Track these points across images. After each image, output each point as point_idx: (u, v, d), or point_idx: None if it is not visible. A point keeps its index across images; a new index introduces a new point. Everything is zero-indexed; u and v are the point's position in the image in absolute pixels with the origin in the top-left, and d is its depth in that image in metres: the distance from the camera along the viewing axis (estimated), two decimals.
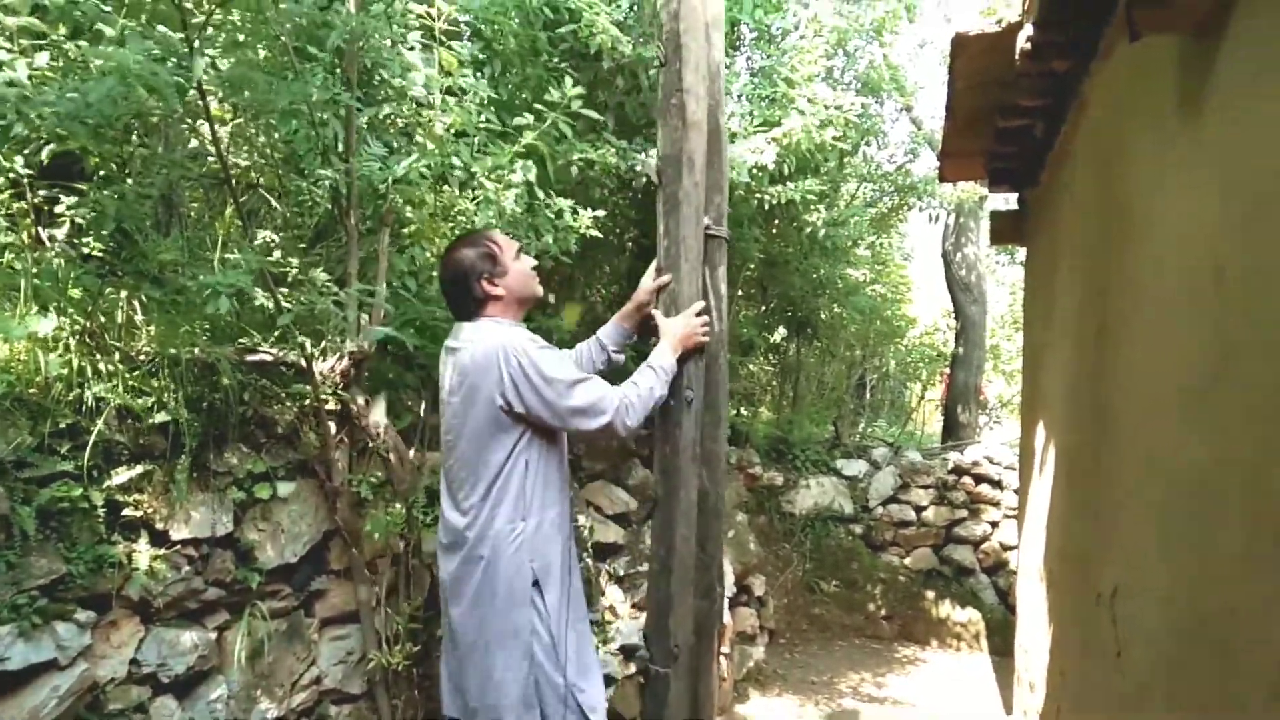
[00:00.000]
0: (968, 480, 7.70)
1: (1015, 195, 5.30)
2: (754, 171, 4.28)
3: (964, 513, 7.64)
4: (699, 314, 2.67)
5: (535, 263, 2.70)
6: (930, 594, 7.39)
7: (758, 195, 4.69)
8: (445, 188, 3.29)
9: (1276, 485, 1.38)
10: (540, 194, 3.50)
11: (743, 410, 7.84)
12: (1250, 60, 1.66)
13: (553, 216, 3.60)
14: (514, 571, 2.38)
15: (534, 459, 2.43)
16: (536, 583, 2.40)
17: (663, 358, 2.58)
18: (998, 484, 7.68)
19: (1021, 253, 11.08)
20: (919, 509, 7.69)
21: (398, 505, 3.19)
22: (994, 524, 7.62)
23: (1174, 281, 2.02)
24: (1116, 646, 2.39)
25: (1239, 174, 1.68)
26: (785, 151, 4.39)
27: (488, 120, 3.39)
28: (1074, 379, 3.24)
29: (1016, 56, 3.25)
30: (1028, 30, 3.08)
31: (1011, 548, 7.44)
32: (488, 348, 2.37)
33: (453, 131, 3.29)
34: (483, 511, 2.40)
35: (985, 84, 3.84)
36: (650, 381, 2.53)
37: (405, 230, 3.23)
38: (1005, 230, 5.22)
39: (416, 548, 3.33)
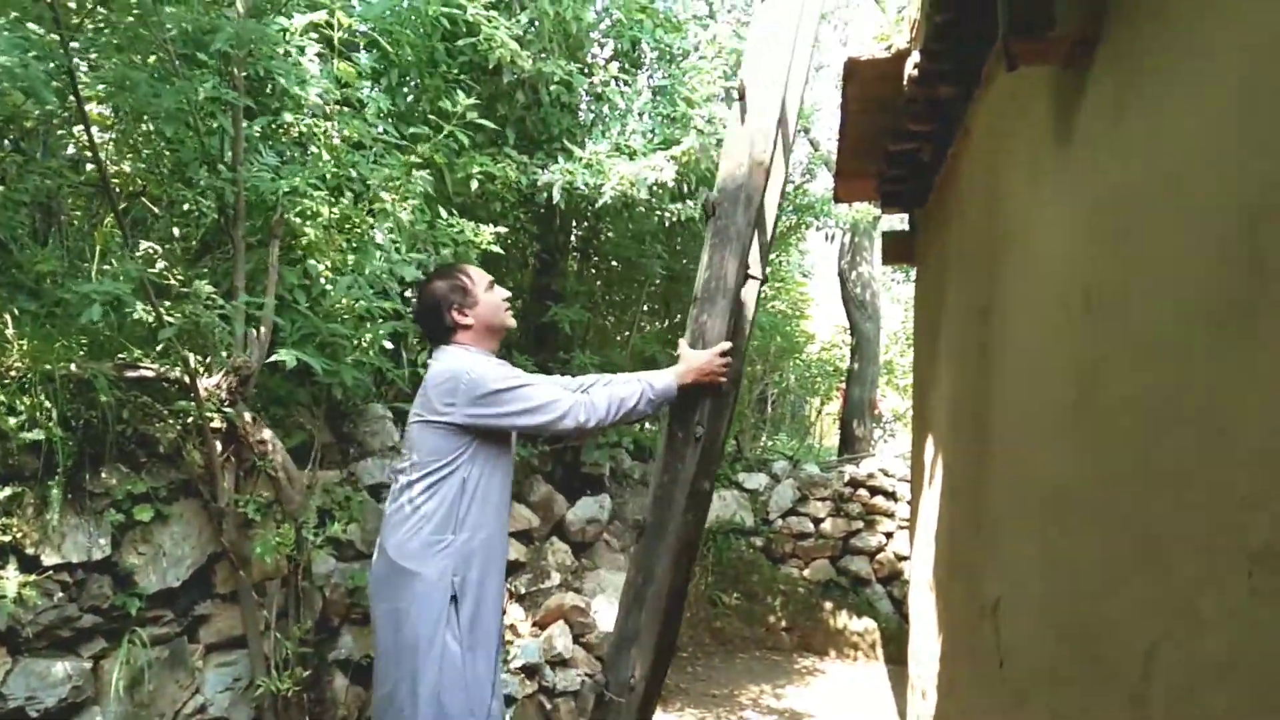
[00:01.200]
0: (863, 492, 7.89)
1: (906, 216, 5.48)
2: (654, 189, 4.32)
3: (860, 524, 7.82)
4: (724, 354, 2.69)
5: (507, 294, 2.83)
6: (828, 605, 7.53)
7: (659, 211, 4.74)
8: (341, 199, 3.23)
9: (1139, 499, 1.45)
10: (440, 208, 3.46)
11: (647, 425, 7.86)
12: (1113, 91, 1.75)
13: (453, 231, 3.56)
14: (434, 580, 2.45)
15: (473, 477, 2.54)
16: (454, 597, 2.47)
17: (663, 379, 2.62)
18: (892, 495, 7.89)
19: (914, 271, 11.47)
20: (817, 521, 7.84)
21: (287, 526, 3.10)
22: (888, 535, 7.82)
23: (1048, 303, 2.11)
24: (999, 656, 2.47)
25: (1103, 199, 1.77)
26: (685, 169, 4.45)
27: (385, 131, 3.34)
28: (958, 396, 3.35)
29: (904, 83, 3.37)
30: (915, 58, 3.20)
31: (905, 558, 7.64)
32: (446, 366, 2.56)
33: (349, 142, 3.23)
34: (414, 520, 2.50)
35: (877, 108, 3.96)
36: (629, 391, 2.58)
37: (298, 242, 3.16)
38: (897, 250, 5.38)
39: (307, 569, 3.24)
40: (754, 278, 2.89)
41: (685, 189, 4.66)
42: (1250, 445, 1.10)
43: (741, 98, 2.87)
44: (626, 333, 6.71)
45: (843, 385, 10.19)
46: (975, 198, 3.25)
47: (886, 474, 7.92)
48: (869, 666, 7.20)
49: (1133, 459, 1.53)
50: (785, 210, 8.16)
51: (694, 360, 2.65)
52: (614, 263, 6.27)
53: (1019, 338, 2.40)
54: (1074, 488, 1.84)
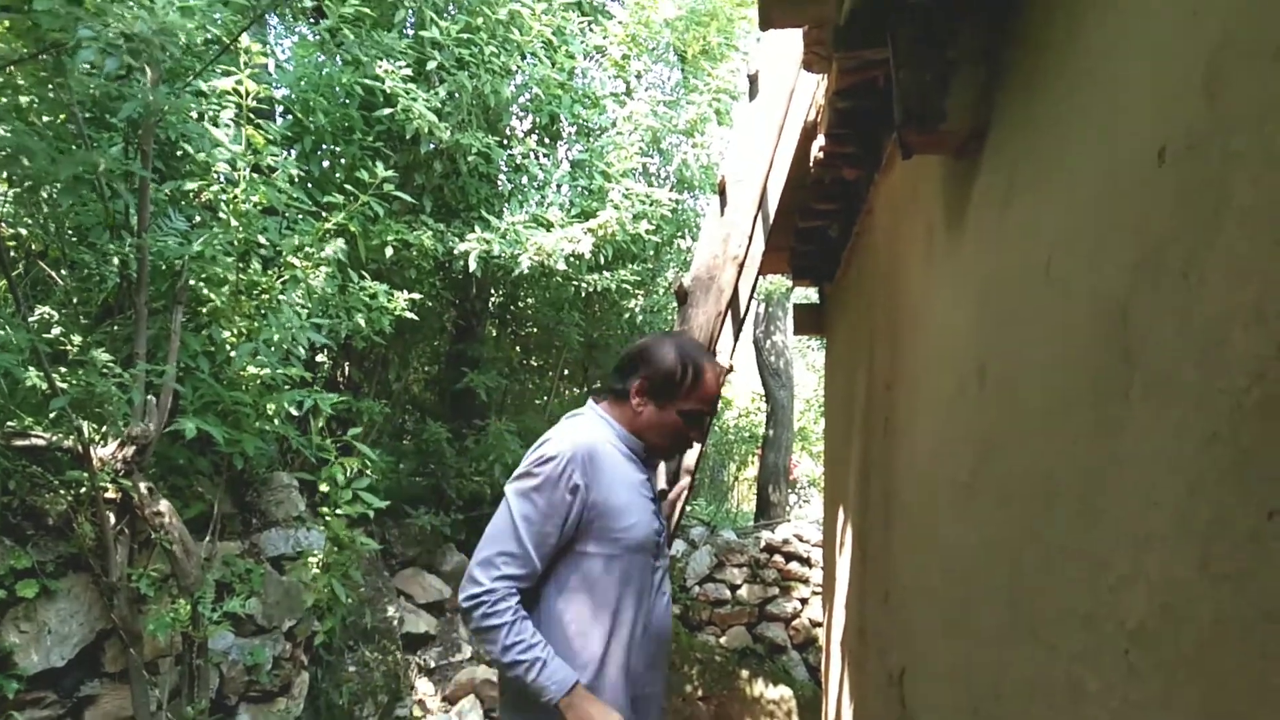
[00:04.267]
0: (779, 558, 7.92)
1: (817, 289, 5.63)
2: (571, 259, 4.37)
3: (775, 590, 7.83)
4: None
5: (697, 434, 2.24)
6: (745, 673, 7.50)
7: (576, 282, 4.78)
8: (249, 265, 3.18)
9: (1029, 571, 1.49)
10: (353, 274, 3.44)
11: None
12: (1001, 179, 1.84)
13: (366, 297, 3.53)
14: None
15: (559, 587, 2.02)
16: None
17: (551, 683, 1.89)
18: (806, 561, 7.94)
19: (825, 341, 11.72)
20: (734, 587, 7.83)
21: (182, 601, 2.98)
22: (803, 601, 7.86)
23: (946, 379, 2.18)
24: None
25: (991, 283, 1.85)
26: (601, 241, 4.51)
27: (298, 198, 3.31)
28: (866, 467, 3.42)
29: (811, 164, 3.49)
30: (820, 140, 3.32)
31: (819, 624, 7.68)
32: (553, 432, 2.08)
33: (259, 208, 3.19)
34: None
35: (788, 186, 4.09)
36: (520, 655, 1.89)
37: (203, 308, 3.09)
38: (808, 321, 5.52)
39: (202, 646, 3.10)
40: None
41: (602, 260, 4.71)
42: (1122, 526, 1.14)
43: (721, 193, 2.96)
44: (545, 398, 6.69)
45: (759, 451, 10.29)
46: (878, 275, 3.36)
47: (801, 539, 7.98)
48: None
49: (1020, 534, 1.58)
50: None
51: (588, 712, 1.93)
52: (532, 329, 6.28)
53: (921, 412, 2.47)
54: (969, 561, 1.89)
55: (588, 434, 2.01)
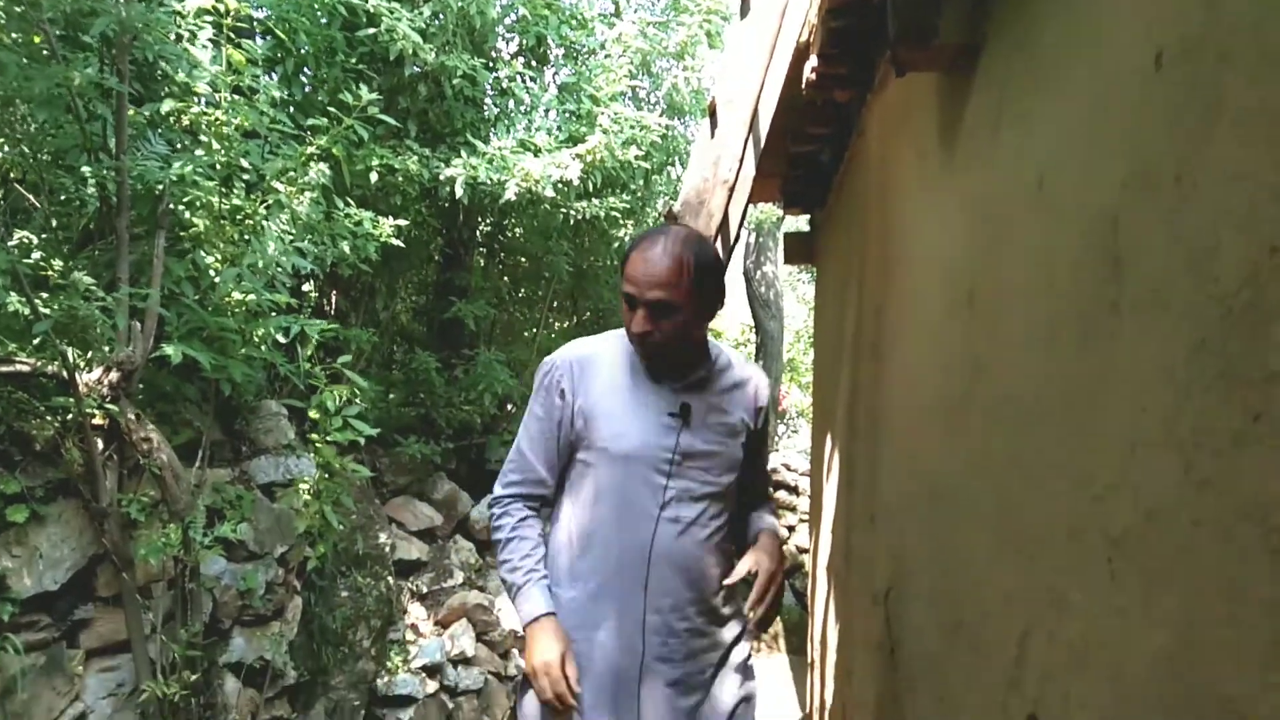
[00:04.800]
0: None
1: (807, 216, 5.59)
2: (559, 186, 4.31)
3: None
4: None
5: (629, 319, 1.96)
6: None
7: (564, 209, 4.73)
8: (232, 190, 3.13)
9: (1017, 492, 1.51)
10: (338, 200, 3.39)
11: None
12: (994, 97, 1.82)
13: (351, 224, 3.49)
14: None
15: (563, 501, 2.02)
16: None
17: (526, 605, 1.92)
18: (794, 490, 8.03)
19: (816, 271, 11.70)
20: None
21: (173, 526, 2.99)
22: (791, 528, 7.97)
23: (936, 302, 2.17)
24: (890, 644, 2.55)
25: (985, 203, 1.84)
26: (590, 167, 4.45)
27: (280, 121, 3.25)
28: (854, 392, 3.44)
29: (803, 86, 3.43)
30: (812, 61, 3.26)
31: (806, 550, 7.80)
32: None
33: (241, 131, 3.13)
34: None
35: (779, 110, 4.03)
36: (505, 575, 1.97)
37: (186, 233, 3.05)
38: (798, 250, 5.48)
39: (194, 571, 3.13)
40: None
41: (591, 187, 4.66)
42: (1110, 435, 1.15)
43: (711, 115, 2.90)
44: (534, 329, 6.67)
45: None
46: (869, 199, 3.34)
47: (789, 469, 8.06)
48: (772, 658, 7.33)
49: (1006, 453, 1.59)
50: None
51: (541, 645, 1.89)
52: (520, 259, 6.23)
53: (910, 336, 2.47)
54: (954, 481, 1.91)
55: (589, 344, 2.05)
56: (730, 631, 2.06)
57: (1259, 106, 0.84)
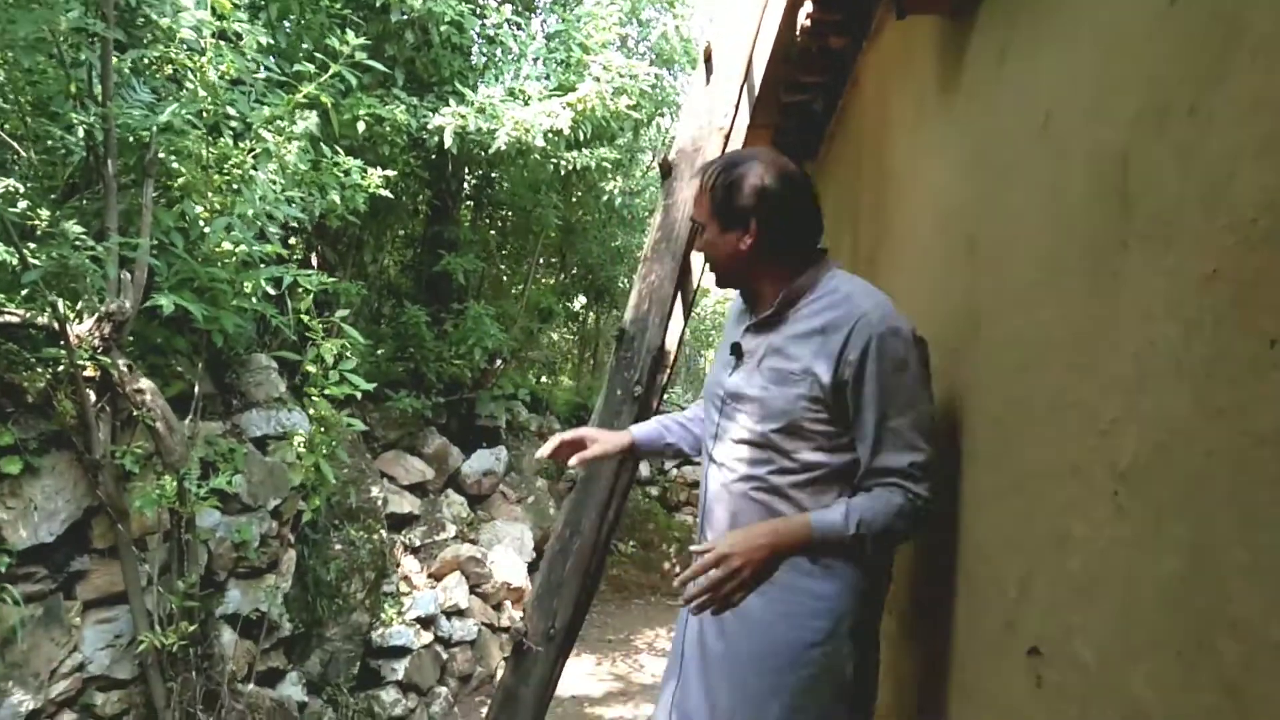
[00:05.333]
0: None
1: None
2: (549, 135, 4.26)
3: None
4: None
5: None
6: None
7: (554, 160, 4.68)
8: (219, 138, 3.08)
9: (1019, 434, 1.51)
10: (326, 149, 3.35)
11: (544, 378, 7.85)
12: (996, 41, 1.80)
13: (340, 174, 3.45)
14: None
15: None
16: None
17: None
18: None
19: None
20: None
21: (168, 478, 2.99)
22: None
23: (935, 249, 2.17)
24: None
25: (986, 149, 1.83)
26: (580, 117, 4.40)
27: (265, 68, 3.19)
28: None
29: (797, 33, 3.39)
30: (807, 7, 3.22)
31: None
32: None
33: (227, 78, 3.08)
34: None
35: (772, 59, 3.98)
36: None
37: (173, 183, 3.00)
38: None
39: (190, 522, 3.14)
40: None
41: (581, 137, 4.61)
42: (1117, 372, 1.15)
43: (706, 61, 2.85)
44: (522, 285, 6.65)
45: None
46: (864, 148, 3.32)
47: None
48: None
49: (1006, 396, 1.60)
50: None
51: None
52: (508, 212, 6.18)
53: (906, 282, 2.47)
54: (953, 427, 1.91)
55: None
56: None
57: None
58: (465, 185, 5.77)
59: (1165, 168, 1.04)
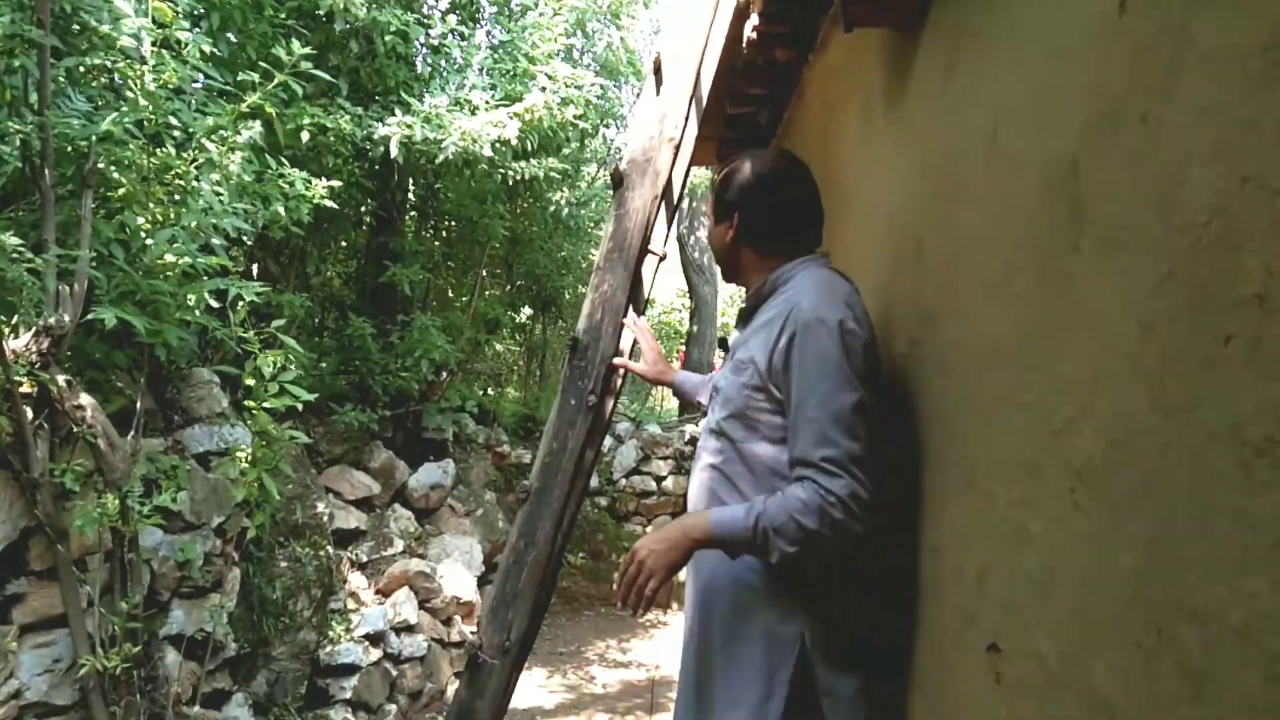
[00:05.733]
0: None
1: None
2: (496, 145, 4.25)
3: None
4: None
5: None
6: None
7: (501, 170, 4.66)
8: (161, 148, 3.01)
9: (972, 434, 1.55)
10: (270, 159, 3.29)
11: (490, 390, 7.80)
12: (943, 54, 1.85)
13: (285, 185, 3.39)
14: None
15: None
16: None
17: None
18: None
19: None
20: (659, 479, 8.01)
21: (110, 496, 2.90)
22: None
23: (884, 255, 2.21)
24: None
25: (933, 159, 1.87)
26: (528, 127, 4.40)
27: (208, 76, 3.13)
28: None
29: (744, 45, 3.43)
30: (753, 20, 3.27)
31: None
32: None
33: (168, 87, 3.01)
34: None
35: (718, 71, 4.02)
36: None
37: (113, 193, 2.93)
38: None
39: (133, 541, 3.05)
40: (654, 253, 2.90)
41: (529, 147, 4.60)
42: (1070, 373, 1.19)
43: (657, 71, 2.86)
44: (468, 296, 6.60)
45: (682, 348, 10.39)
46: (809, 158, 3.35)
47: None
48: (672, 616, 7.45)
49: (957, 397, 1.63)
50: None
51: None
52: (453, 223, 6.14)
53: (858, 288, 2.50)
54: (903, 430, 1.94)
55: None
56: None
57: (1228, 44, 0.87)
58: (410, 196, 5.72)
59: (1118, 174, 1.07)
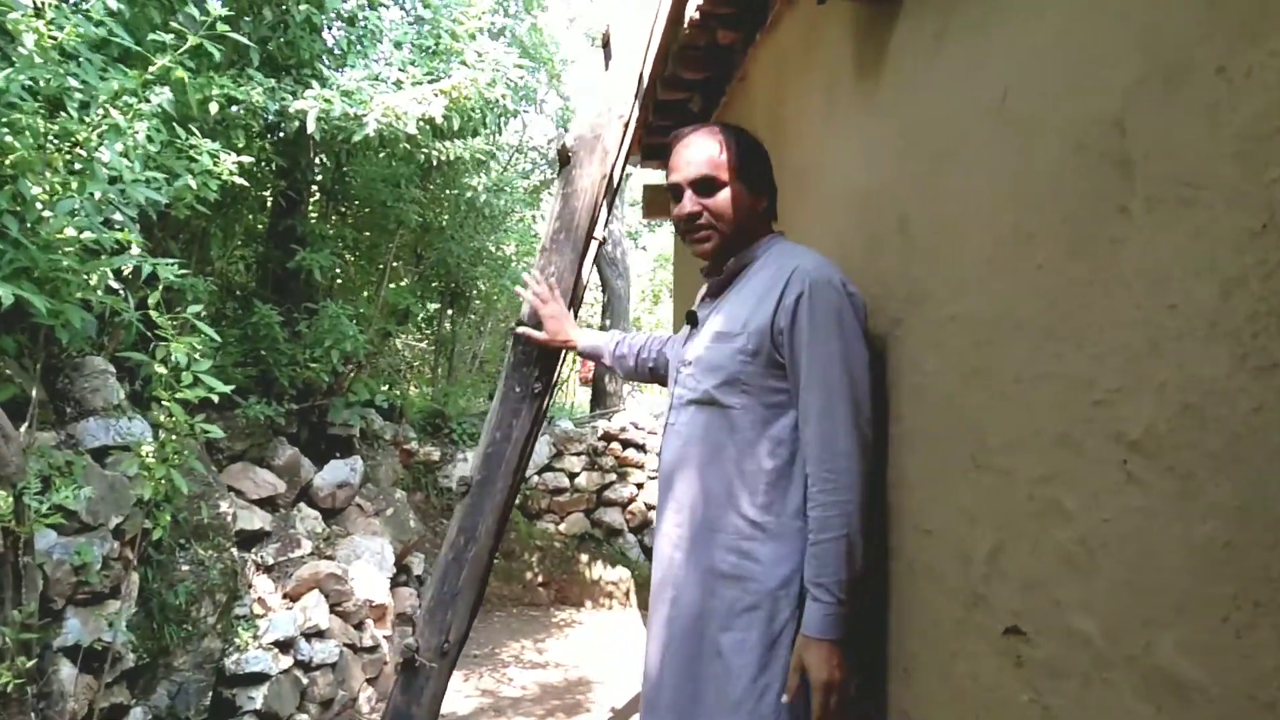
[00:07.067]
0: (616, 446, 8.03)
1: (664, 171, 5.51)
2: (421, 124, 4.05)
3: (613, 477, 7.96)
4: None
5: (677, 211, 1.96)
6: (584, 557, 7.62)
7: (425, 150, 4.46)
8: (60, 112, 2.74)
9: (978, 414, 1.49)
10: (180, 130, 3.04)
11: (396, 385, 7.53)
12: (930, 25, 1.79)
13: (193, 157, 3.14)
14: None
15: None
16: None
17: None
18: (642, 448, 8.08)
19: (665, 224, 11.72)
20: (572, 475, 7.89)
21: (3, 493, 2.62)
22: (639, 486, 8.03)
23: (857, 233, 2.15)
24: None
25: (920, 132, 1.82)
26: (454, 105, 4.21)
27: (111, 35, 2.87)
28: None
29: (685, 27, 3.35)
30: (697, 0, 3.19)
31: (655, 507, 7.87)
32: None
33: (69, 45, 2.74)
34: None
35: (657, 54, 3.93)
36: None
37: (5, 160, 2.64)
38: (659, 203, 5.42)
39: (28, 544, 2.76)
40: (594, 239, 2.80)
41: (452, 127, 4.40)
42: (1113, 341, 1.13)
43: (606, 45, 2.74)
44: (375, 284, 6.33)
45: None
46: None
47: (637, 427, 8.10)
48: (624, 613, 7.38)
49: (959, 373, 1.57)
50: (538, 165, 8.06)
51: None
52: (361, 207, 5.85)
53: None
54: (894, 407, 1.88)
55: None
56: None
57: None
58: (319, 177, 5.42)
59: (1182, 130, 1.02)
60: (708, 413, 1.81)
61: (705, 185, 1.88)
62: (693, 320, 1.95)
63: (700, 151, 1.90)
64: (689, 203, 1.88)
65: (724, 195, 1.88)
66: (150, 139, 2.94)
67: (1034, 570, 1.31)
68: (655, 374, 2.39)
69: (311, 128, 3.80)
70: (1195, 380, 0.99)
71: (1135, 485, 1.08)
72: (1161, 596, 1.03)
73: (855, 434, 1.70)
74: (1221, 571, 0.94)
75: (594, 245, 2.82)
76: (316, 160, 5.05)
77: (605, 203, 2.87)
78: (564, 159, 2.76)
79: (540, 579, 7.47)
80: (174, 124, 3.03)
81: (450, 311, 7.67)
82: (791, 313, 1.72)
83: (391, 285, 6.37)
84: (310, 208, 5.65)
